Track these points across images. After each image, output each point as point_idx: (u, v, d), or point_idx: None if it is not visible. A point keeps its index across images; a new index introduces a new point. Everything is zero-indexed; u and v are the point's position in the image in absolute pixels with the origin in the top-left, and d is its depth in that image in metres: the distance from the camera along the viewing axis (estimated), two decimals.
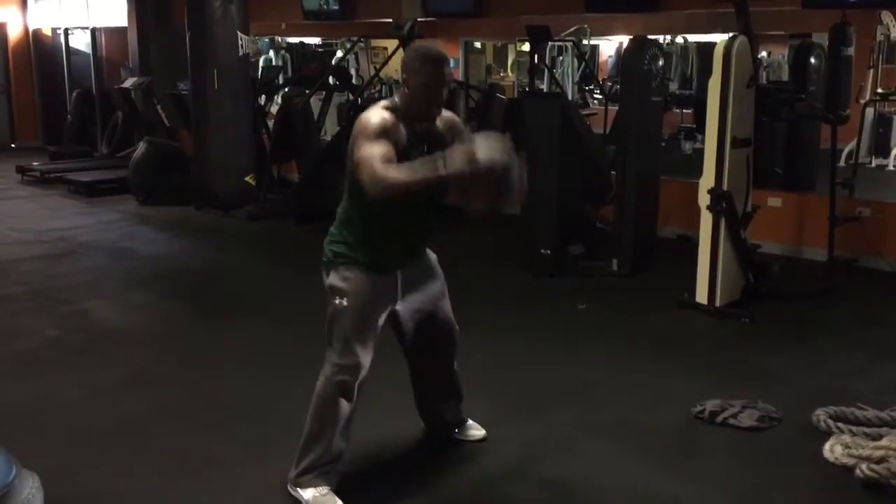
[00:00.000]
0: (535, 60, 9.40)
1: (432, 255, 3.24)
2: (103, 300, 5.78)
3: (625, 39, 9.01)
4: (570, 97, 10.29)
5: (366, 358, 3.00)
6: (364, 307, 2.98)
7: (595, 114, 9.71)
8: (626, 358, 4.62)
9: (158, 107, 10.04)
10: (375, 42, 11.67)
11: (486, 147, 2.60)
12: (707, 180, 5.25)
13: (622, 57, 6.96)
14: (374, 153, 2.71)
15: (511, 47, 12.48)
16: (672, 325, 5.20)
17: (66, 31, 13.27)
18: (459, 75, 10.69)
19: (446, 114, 3.05)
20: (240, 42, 8.35)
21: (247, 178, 8.55)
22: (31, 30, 13.63)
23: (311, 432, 3.04)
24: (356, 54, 12.15)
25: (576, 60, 10.90)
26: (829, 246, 5.84)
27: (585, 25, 9.91)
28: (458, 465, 3.41)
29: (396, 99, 2.94)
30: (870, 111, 9.06)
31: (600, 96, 11.07)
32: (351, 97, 9.63)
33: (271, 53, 13.16)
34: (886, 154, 9.38)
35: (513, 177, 2.65)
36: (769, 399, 3.89)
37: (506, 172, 2.62)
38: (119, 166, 10.11)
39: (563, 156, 6.06)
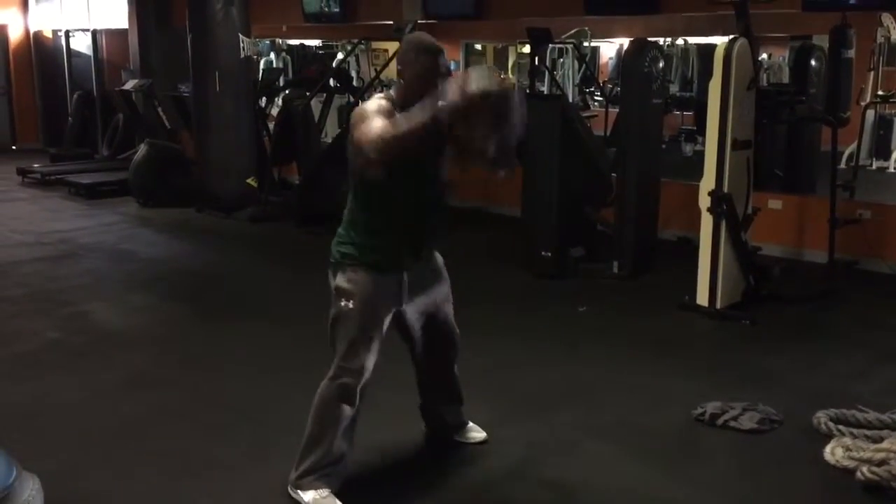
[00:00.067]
0: (536, 62, 9.42)
1: (439, 258, 3.23)
2: (104, 302, 5.78)
3: (625, 41, 9.01)
4: (570, 99, 10.29)
5: (370, 361, 2.99)
6: (370, 310, 2.97)
7: (596, 116, 9.73)
8: (627, 360, 4.62)
9: (159, 109, 10.07)
10: (376, 44, 11.65)
11: (477, 77, 2.53)
12: (707, 182, 5.26)
13: (623, 59, 6.97)
14: (370, 125, 2.68)
15: (512, 49, 12.45)
16: (672, 327, 5.20)
17: (66, 33, 13.30)
18: None
19: None
20: (241, 44, 8.36)
21: (248, 180, 8.54)
22: (32, 32, 13.65)
23: (311, 434, 3.03)
24: (357, 56, 12.15)
25: (576, 62, 10.89)
26: (830, 248, 5.84)
27: (586, 27, 9.89)
28: (459, 467, 3.41)
29: (392, 93, 2.94)
30: (870, 113, 9.06)
31: (601, 98, 11.05)
32: (352, 99, 9.62)
33: (272, 55, 13.16)
34: (887, 156, 9.38)
35: (511, 105, 2.56)
36: (770, 401, 3.89)
37: (502, 100, 2.54)
38: (120, 168, 10.13)
39: (564, 158, 6.07)
